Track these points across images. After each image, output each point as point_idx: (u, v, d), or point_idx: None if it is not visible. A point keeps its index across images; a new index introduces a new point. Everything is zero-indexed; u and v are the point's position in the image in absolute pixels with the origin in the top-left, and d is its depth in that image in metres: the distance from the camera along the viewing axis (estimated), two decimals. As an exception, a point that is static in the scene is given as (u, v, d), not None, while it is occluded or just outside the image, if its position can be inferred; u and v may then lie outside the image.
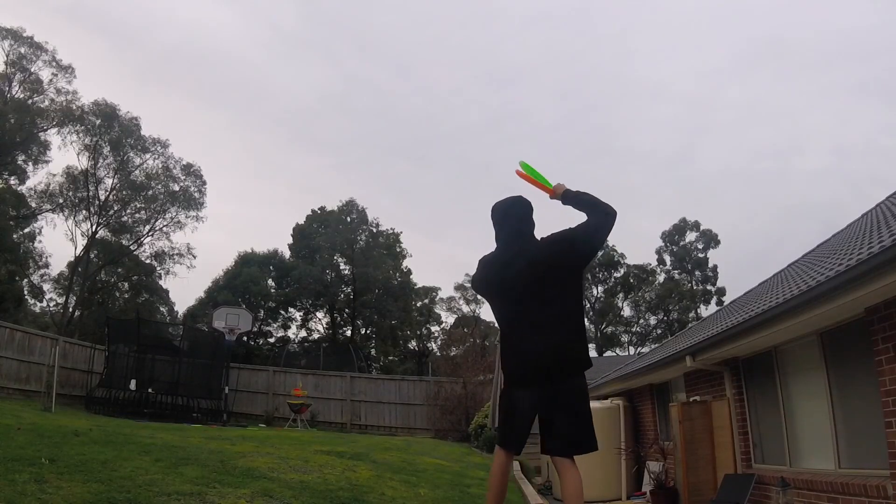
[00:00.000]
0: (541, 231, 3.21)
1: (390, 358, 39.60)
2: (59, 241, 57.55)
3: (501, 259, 3.13)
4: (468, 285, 42.37)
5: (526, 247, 3.10)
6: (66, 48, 57.91)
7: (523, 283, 2.99)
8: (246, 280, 35.12)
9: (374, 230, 39.32)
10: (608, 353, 42.88)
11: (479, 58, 63.96)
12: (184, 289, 65.69)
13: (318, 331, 39.17)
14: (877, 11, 55.46)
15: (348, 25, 61.92)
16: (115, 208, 31.46)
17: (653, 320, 46.18)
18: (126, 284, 35.23)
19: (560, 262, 2.99)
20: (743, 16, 62.12)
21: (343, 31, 63.30)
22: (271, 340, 38.19)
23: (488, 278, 3.18)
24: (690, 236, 45.30)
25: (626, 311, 46.93)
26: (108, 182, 31.07)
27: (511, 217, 3.19)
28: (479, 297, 3.94)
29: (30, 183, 30.01)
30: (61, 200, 30.06)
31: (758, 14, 61.07)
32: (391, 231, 40.34)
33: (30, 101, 29.04)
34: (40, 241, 31.63)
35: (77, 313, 31.17)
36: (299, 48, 62.54)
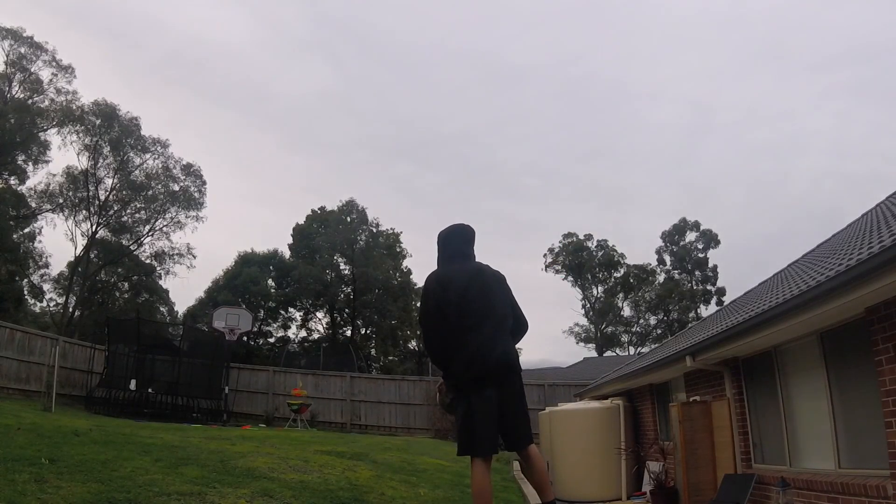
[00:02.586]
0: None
1: (390, 358, 39.56)
2: (59, 241, 57.46)
3: (461, 272, 3.54)
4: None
5: (479, 265, 3.63)
6: (67, 49, 58.00)
7: (483, 294, 3.46)
8: (246, 280, 35.10)
9: (374, 230, 39.30)
10: (608, 353, 42.89)
11: (481, 59, 64.00)
12: (184, 289, 65.66)
13: (318, 331, 39.19)
14: (877, 13, 55.46)
15: (351, 27, 61.98)
16: (115, 208, 31.47)
17: (653, 320, 46.19)
18: (126, 284, 35.23)
19: (504, 287, 3.62)
20: (743, 18, 62.15)
21: (345, 33, 63.35)
22: (271, 340, 38.19)
23: (451, 287, 3.48)
24: (690, 236, 45.32)
25: (626, 311, 46.98)
26: (108, 182, 31.15)
27: (466, 241, 3.72)
28: (427, 311, 4.07)
29: (30, 183, 30.10)
30: (61, 200, 30.08)
31: (758, 16, 61.09)
32: (391, 231, 40.34)
33: (30, 101, 29.05)
34: (40, 241, 31.69)
35: (77, 313, 31.17)
36: (301, 49, 62.60)
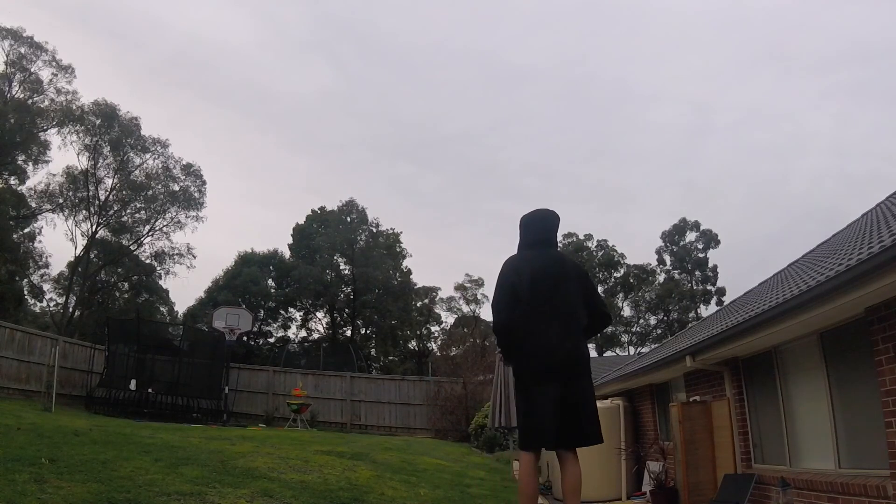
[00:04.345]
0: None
1: (390, 358, 39.57)
2: (59, 241, 57.51)
3: (540, 260, 3.42)
4: (468, 285, 42.33)
5: (561, 255, 3.57)
6: (67, 49, 57.99)
7: (558, 286, 3.36)
8: (246, 280, 35.10)
9: (374, 230, 39.32)
10: (608, 353, 42.88)
11: (483, 60, 63.96)
12: (184, 289, 65.58)
13: (318, 331, 39.21)
14: (876, 14, 55.50)
15: (352, 27, 61.97)
16: (115, 208, 31.46)
17: (653, 320, 46.18)
18: (126, 284, 35.22)
19: (584, 281, 3.51)
20: (744, 19, 62.16)
21: (347, 33, 63.32)
22: (271, 340, 38.19)
23: (526, 274, 3.38)
24: (690, 236, 45.32)
25: (626, 311, 46.92)
26: (108, 182, 31.13)
27: (549, 228, 3.60)
28: (502, 293, 4.01)
29: (30, 183, 30.07)
30: (61, 200, 30.07)
31: (758, 17, 61.11)
32: (391, 231, 40.36)
33: (30, 101, 29.03)
34: (40, 241, 31.66)
35: (77, 313, 31.16)
36: (302, 50, 62.58)
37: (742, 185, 61.94)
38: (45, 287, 33.09)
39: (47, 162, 29.77)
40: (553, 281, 3.35)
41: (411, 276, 40.41)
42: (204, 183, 32.70)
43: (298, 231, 38.96)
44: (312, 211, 39.61)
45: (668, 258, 45.87)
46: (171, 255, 33.16)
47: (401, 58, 63.48)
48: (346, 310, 38.18)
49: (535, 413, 3.23)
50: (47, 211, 30.14)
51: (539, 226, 3.57)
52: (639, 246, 74.43)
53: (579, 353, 3.32)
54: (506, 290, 3.40)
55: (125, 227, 32.12)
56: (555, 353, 3.23)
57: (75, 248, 30.70)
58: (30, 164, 29.49)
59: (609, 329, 46.62)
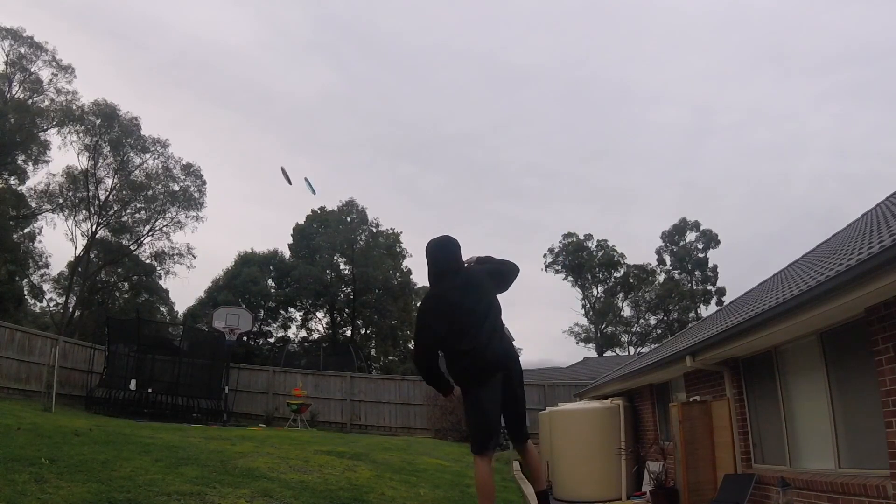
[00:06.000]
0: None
1: (390, 358, 39.54)
2: (59, 241, 57.58)
3: (452, 288, 3.73)
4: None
5: (467, 276, 3.80)
6: (69, 50, 57.97)
7: (476, 305, 3.66)
8: (246, 280, 35.07)
9: (374, 230, 39.28)
10: (608, 353, 42.88)
11: (485, 61, 63.96)
12: (184, 289, 65.66)
13: (318, 331, 39.16)
14: (876, 15, 55.52)
15: (354, 28, 62.00)
16: (115, 208, 31.45)
17: (653, 320, 46.17)
18: (126, 284, 35.22)
19: (492, 289, 3.81)
20: (744, 19, 62.15)
21: (349, 34, 63.34)
22: (271, 340, 38.17)
23: (445, 306, 3.69)
24: (690, 236, 45.31)
25: (626, 311, 46.95)
26: (108, 182, 31.11)
27: (451, 254, 3.86)
28: (427, 325, 4.40)
29: (30, 183, 30.07)
30: (61, 200, 30.06)
31: (759, 18, 61.11)
32: (391, 231, 40.30)
33: (30, 101, 29.03)
34: (40, 241, 31.67)
35: (77, 313, 31.16)
36: (304, 51, 62.62)
37: (742, 186, 62.03)
38: (45, 287, 33.14)
39: (47, 162, 29.84)
40: (468, 305, 3.65)
41: (411, 276, 40.38)
42: (204, 183, 32.72)
43: (298, 231, 38.92)
44: (312, 211, 39.59)
45: (668, 258, 45.87)
46: (170, 255, 33.20)
47: (402, 58, 63.54)
48: (346, 310, 38.16)
49: (484, 416, 3.52)
50: (47, 211, 30.16)
51: (443, 256, 3.86)
52: (639, 246, 74.57)
53: (510, 352, 3.69)
54: (423, 333, 3.75)
55: (125, 227, 32.11)
56: (489, 363, 3.55)
57: (75, 248, 30.74)
58: (30, 164, 29.52)
59: (609, 329, 46.65)
